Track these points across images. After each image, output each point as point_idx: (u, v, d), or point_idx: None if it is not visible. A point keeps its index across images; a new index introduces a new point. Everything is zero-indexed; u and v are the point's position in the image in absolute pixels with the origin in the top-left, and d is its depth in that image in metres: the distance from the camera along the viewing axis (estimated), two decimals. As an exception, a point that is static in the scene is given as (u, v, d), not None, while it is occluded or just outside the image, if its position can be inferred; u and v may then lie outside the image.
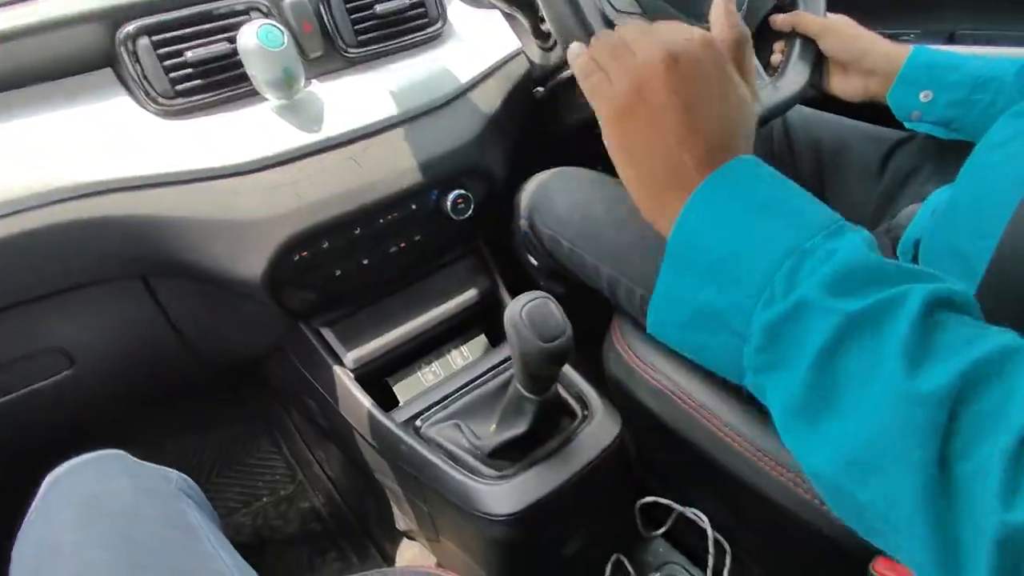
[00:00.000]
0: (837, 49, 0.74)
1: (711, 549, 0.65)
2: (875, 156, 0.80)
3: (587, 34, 0.57)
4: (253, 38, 0.60)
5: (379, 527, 0.97)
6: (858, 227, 0.33)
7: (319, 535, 1.02)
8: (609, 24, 0.61)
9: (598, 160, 0.88)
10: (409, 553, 0.92)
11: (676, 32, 0.39)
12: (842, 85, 0.76)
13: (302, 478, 1.09)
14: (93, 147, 0.59)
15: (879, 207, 0.78)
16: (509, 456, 0.64)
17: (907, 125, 0.74)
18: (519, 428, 0.60)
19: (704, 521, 0.67)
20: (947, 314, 0.29)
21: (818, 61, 0.75)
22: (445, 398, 0.72)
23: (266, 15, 0.65)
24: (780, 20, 0.75)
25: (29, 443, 0.75)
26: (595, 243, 0.73)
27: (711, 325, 0.34)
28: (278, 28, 0.61)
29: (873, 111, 0.81)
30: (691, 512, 0.71)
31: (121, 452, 0.57)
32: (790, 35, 0.76)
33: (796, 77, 0.73)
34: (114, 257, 0.62)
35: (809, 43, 0.74)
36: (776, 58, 0.78)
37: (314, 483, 1.08)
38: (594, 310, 0.78)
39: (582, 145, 0.94)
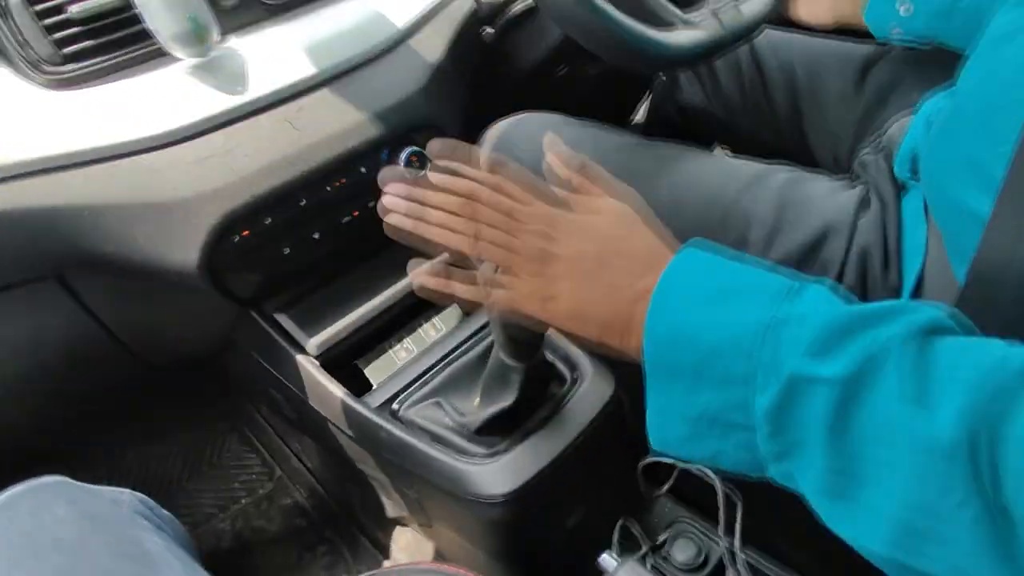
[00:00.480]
0: None
1: (721, 503, 0.62)
2: (851, 73, 0.76)
3: None
4: (149, -15, 0.51)
5: (368, 516, 0.92)
6: (817, 279, 0.33)
7: (305, 530, 0.97)
8: None
9: (558, 101, 0.82)
10: (403, 539, 0.88)
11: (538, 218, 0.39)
12: (809, 8, 0.71)
13: (280, 474, 1.03)
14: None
15: (862, 125, 0.73)
16: (498, 431, 0.59)
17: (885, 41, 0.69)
18: (506, 400, 0.55)
19: (710, 475, 0.64)
20: (932, 343, 0.28)
21: None
22: (422, 375, 0.66)
23: (162, -42, 0.56)
24: None
25: None
26: (565, 190, 0.67)
27: (717, 430, 0.33)
28: (179, -29, 0.52)
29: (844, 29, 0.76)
30: (696, 467, 0.67)
31: (60, 478, 0.50)
32: None
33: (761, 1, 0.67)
34: (19, 257, 0.53)
35: None
36: None
37: (294, 477, 1.02)
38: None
39: (540, 87, 0.87)
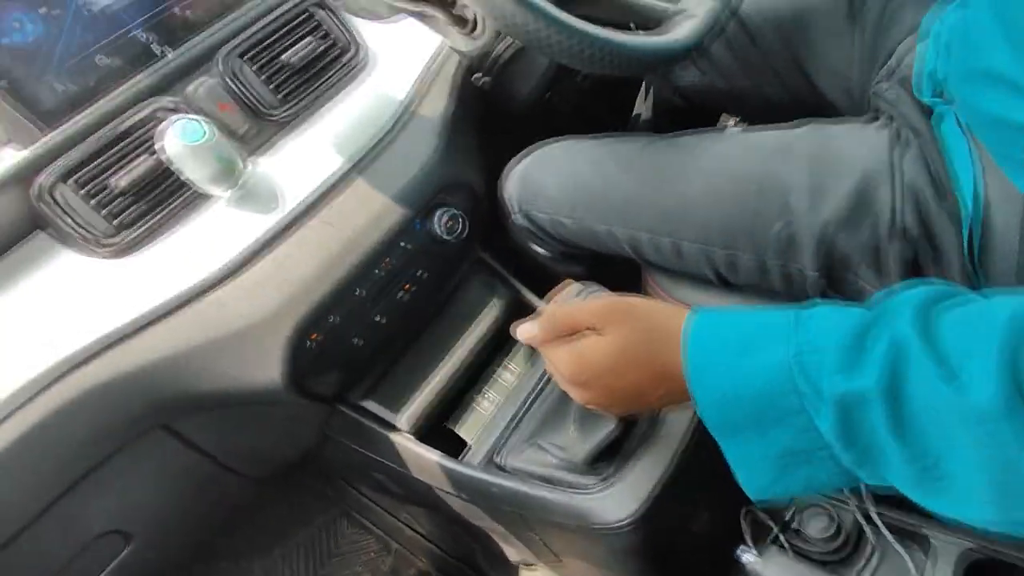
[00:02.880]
0: None
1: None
2: (841, 6, 0.75)
3: (522, 7, 0.51)
4: (174, 140, 0.55)
5: (492, 566, 0.93)
6: (812, 303, 0.37)
7: (436, 593, 0.99)
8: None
9: (574, 127, 0.83)
10: (533, 579, 0.89)
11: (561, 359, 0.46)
12: None
13: (397, 547, 1.05)
14: (57, 318, 0.54)
15: (866, 57, 0.72)
16: (603, 457, 0.59)
17: None
18: (607, 427, 0.55)
19: None
20: (940, 319, 0.31)
21: None
22: (512, 422, 0.68)
23: (175, 111, 0.60)
24: None
25: None
26: (598, 208, 0.68)
27: (800, 458, 0.35)
28: (194, 120, 0.56)
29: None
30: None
31: None
32: None
33: None
34: (126, 419, 0.57)
35: None
36: None
37: (411, 547, 1.04)
38: (618, 276, 0.74)
39: (549, 118, 0.89)
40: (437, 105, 0.72)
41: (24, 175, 0.54)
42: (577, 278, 0.73)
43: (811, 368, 0.34)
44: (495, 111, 0.82)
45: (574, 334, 0.46)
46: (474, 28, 0.75)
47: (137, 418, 0.57)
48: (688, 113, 0.98)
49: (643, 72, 0.88)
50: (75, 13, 0.56)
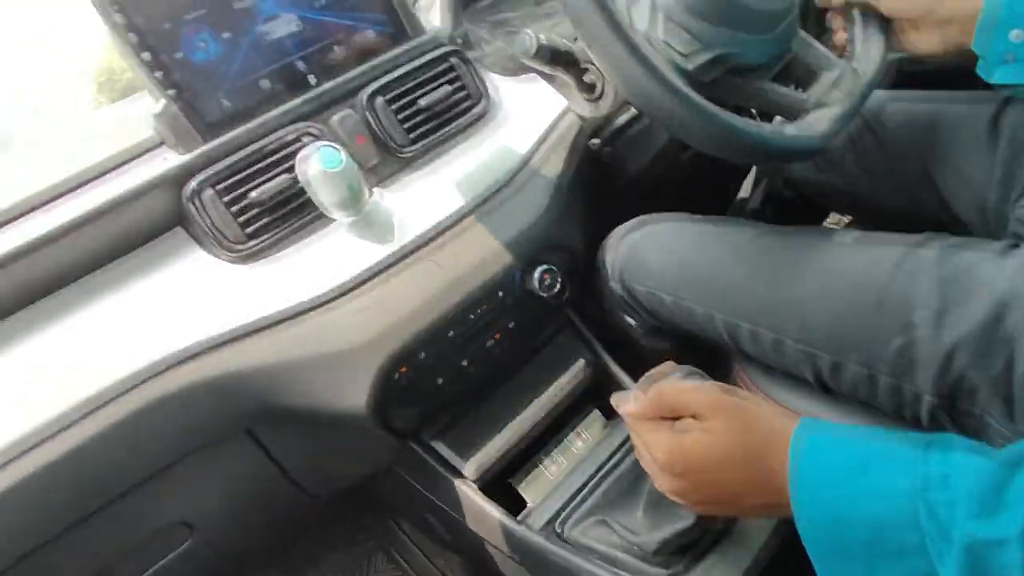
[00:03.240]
0: (902, 7, 0.66)
1: None
2: (982, 120, 0.72)
3: (668, 90, 0.52)
4: (314, 164, 0.58)
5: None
6: (946, 439, 0.35)
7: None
8: (686, 74, 0.57)
9: (674, 201, 0.83)
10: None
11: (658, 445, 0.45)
12: (918, 36, 0.68)
13: (428, 592, 1.02)
14: (178, 311, 0.58)
15: (1006, 179, 0.69)
16: (672, 548, 0.56)
17: (999, 76, 0.64)
18: (683, 520, 0.53)
19: None
20: None
21: (887, 25, 0.68)
22: (579, 492, 0.66)
23: (317, 138, 0.64)
24: None
25: None
26: (701, 290, 0.67)
27: None
28: (334, 148, 0.59)
29: (959, 77, 0.73)
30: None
31: None
32: (846, 8, 0.69)
33: (873, 50, 0.66)
34: (220, 417, 0.59)
35: (869, 10, 0.67)
36: (840, 37, 0.71)
37: (442, 596, 1.01)
38: (705, 360, 0.72)
39: (654, 189, 0.89)
40: (553, 164, 0.74)
41: (181, 177, 0.59)
42: (666, 355, 0.72)
43: (940, 508, 0.32)
44: (605, 176, 0.83)
45: (675, 419, 0.45)
46: (599, 96, 0.77)
47: (229, 420, 0.59)
48: (795, 205, 0.96)
49: (767, 163, 0.88)
50: (252, 41, 0.62)
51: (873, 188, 0.81)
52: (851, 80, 0.63)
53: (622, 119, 0.78)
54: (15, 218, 0.57)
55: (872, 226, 0.70)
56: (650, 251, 0.71)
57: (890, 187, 0.78)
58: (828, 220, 1.11)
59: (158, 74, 0.58)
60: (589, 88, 0.77)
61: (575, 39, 0.72)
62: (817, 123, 0.58)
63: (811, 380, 0.62)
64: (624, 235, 0.74)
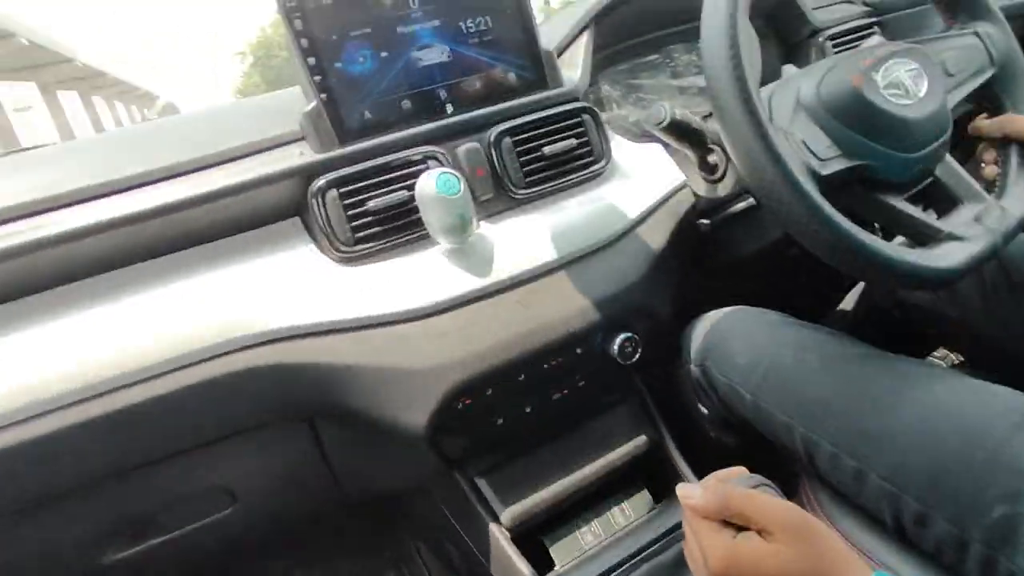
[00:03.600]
0: None
1: None
2: None
3: (793, 190, 0.51)
4: (432, 186, 0.61)
5: None
6: None
7: None
8: (816, 177, 0.56)
9: (772, 295, 0.80)
10: None
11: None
12: None
13: (430, 624, 1.00)
14: (277, 295, 0.61)
15: None
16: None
17: None
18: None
19: None
20: None
21: None
22: (612, 570, 0.63)
23: (441, 163, 0.67)
24: (987, 126, 0.66)
25: None
26: (785, 398, 0.63)
27: None
28: (455, 176, 0.62)
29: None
30: None
31: None
32: (1002, 141, 0.66)
33: None
34: (289, 402, 0.61)
35: None
36: (990, 171, 0.68)
37: (443, 632, 0.99)
38: (771, 470, 0.67)
39: (753, 280, 0.87)
40: (658, 235, 0.74)
41: (311, 172, 0.63)
42: (731, 451, 0.68)
43: None
44: (707, 256, 0.82)
45: (739, 528, 0.42)
46: (719, 179, 0.76)
47: (296, 406, 0.62)
48: (902, 330, 0.90)
49: (890, 287, 0.83)
50: (404, 63, 0.66)
51: (997, 331, 0.75)
52: (996, 218, 0.60)
53: (737, 206, 0.77)
54: (161, 179, 0.63)
55: (986, 372, 0.65)
56: (738, 344, 0.68)
57: (1017, 333, 0.72)
58: (935, 354, 1.04)
59: (316, 78, 0.63)
60: (711, 169, 0.77)
61: (705, 116, 0.72)
62: (950, 255, 0.55)
63: (888, 523, 0.57)
64: (714, 321, 0.72)
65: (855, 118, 0.58)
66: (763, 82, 0.61)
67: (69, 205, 0.59)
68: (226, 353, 0.58)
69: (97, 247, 0.59)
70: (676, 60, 0.94)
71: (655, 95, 0.92)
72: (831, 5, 1.05)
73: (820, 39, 0.95)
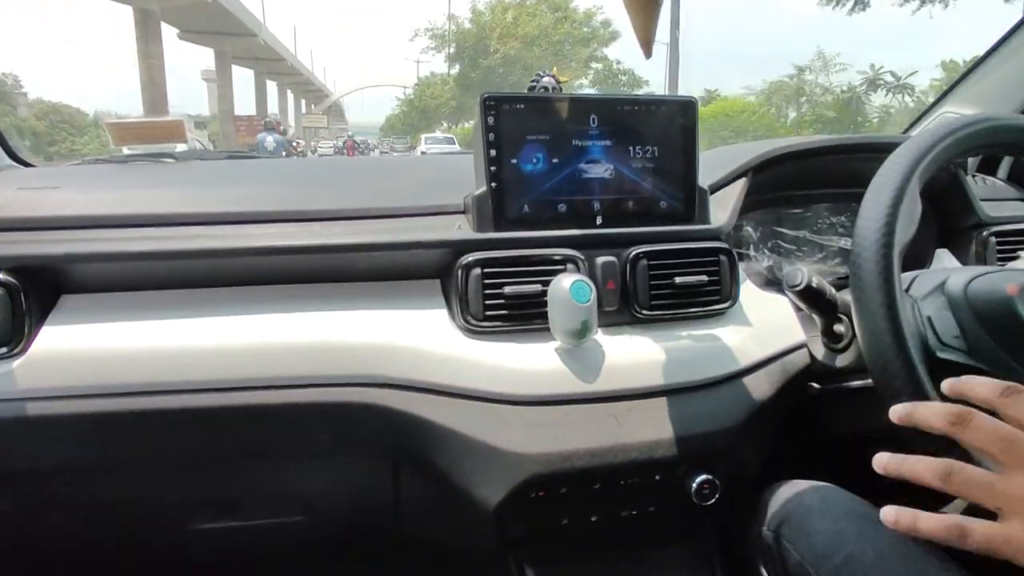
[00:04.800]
0: None
1: None
2: None
3: (905, 365, 0.51)
4: (565, 290, 0.66)
5: None
6: None
7: None
8: (931, 358, 0.55)
9: (866, 479, 0.77)
10: None
11: None
12: None
13: None
14: (401, 343, 0.68)
15: None
16: None
17: None
18: None
19: None
20: None
21: None
22: None
23: (579, 269, 0.72)
24: None
25: None
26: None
27: None
28: (588, 285, 0.66)
29: None
30: None
31: None
32: None
33: None
34: (384, 442, 0.67)
35: None
36: None
37: None
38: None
39: (846, 461, 0.84)
40: (764, 386, 0.74)
41: (465, 248, 0.70)
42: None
43: None
44: (809, 420, 0.81)
45: None
46: (842, 350, 0.76)
47: (389, 447, 0.68)
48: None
49: None
50: (570, 171, 0.73)
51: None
52: None
53: (853, 383, 0.76)
54: (343, 218, 0.73)
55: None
56: (820, 524, 0.66)
57: None
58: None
59: (492, 168, 0.71)
60: (835, 337, 0.77)
61: (840, 287, 0.73)
62: None
63: None
64: (799, 490, 0.71)
65: (997, 327, 0.56)
66: (913, 260, 0.61)
67: (264, 222, 0.70)
68: (345, 384, 0.65)
69: (276, 264, 0.69)
70: (821, 218, 0.95)
71: (794, 247, 0.94)
72: (1002, 200, 1.03)
73: (984, 233, 0.93)
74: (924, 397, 0.51)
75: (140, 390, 0.63)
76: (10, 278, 0.63)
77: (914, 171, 0.54)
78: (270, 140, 8.50)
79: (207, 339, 0.65)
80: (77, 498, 0.70)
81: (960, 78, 1.10)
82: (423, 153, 15.44)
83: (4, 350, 0.62)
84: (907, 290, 0.63)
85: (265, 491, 0.73)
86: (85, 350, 0.63)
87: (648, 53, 0.61)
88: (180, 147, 0.97)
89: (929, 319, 0.59)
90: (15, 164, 0.89)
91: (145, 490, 0.71)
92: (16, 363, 0.62)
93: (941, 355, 0.56)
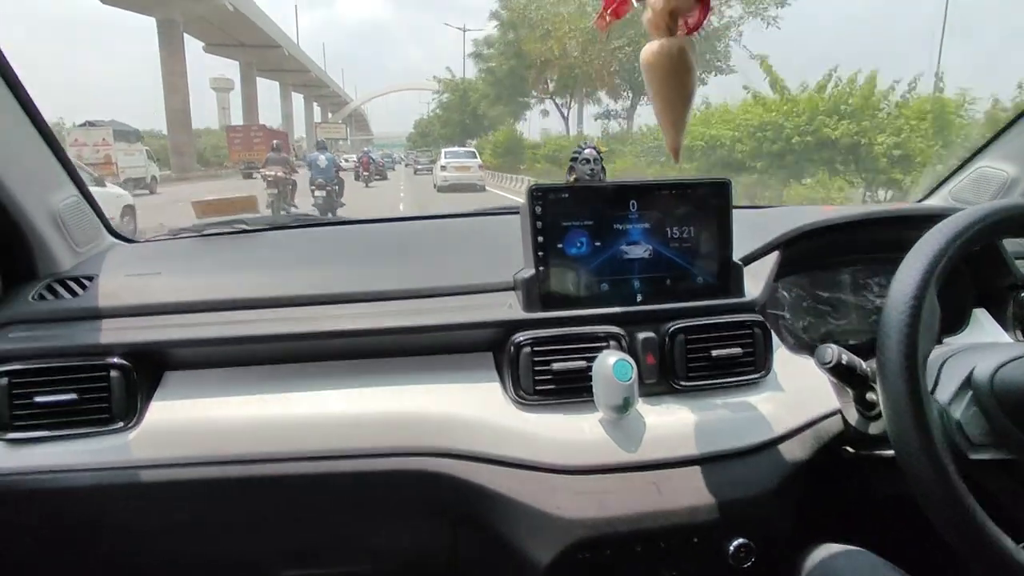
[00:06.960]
0: None
1: None
2: None
3: (940, 478, 0.55)
4: (608, 368, 0.72)
5: None
6: None
7: None
8: (962, 460, 0.59)
9: (896, 545, 0.80)
10: None
11: None
12: None
13: None
14: (457, 414, 0.75)
15: None
16: None
17: None
18: None
19: None
20: None
21: None
22: None
23: (621, 345, 0.78)
24: None
25: None
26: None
27: None
28: (629, 364, 0.72)
29: None
30: None
31: None
32: None
33: None
34: (445, 505, 0.75)
35: None
36: None
37: None
38: None
39: (881, 522, 0.87)
40: (798, 452, 0.78)
41: (516, 326, 0.77)
42: None
43: None
44: (842, 481, 0.84)
45: None
46: (874, 417, 0.80)
47: (449, 510, 0.75)
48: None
49: None
50: (612, 253, 0.79)
51: None
52: None
53: (887, 451, 0.79)
54: (398, 298, 0.81)
55: None
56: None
57: None
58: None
59: (540, 253, 0.78)
60: (867, 405, 0.80)
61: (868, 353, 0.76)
62: None
63: None
64: (832, 554, 0.75)
65: None
66: (950, 321, 0.60)
67: (337, 303, 0.79)
68: (414, 454, 0.73)
69: (349, 342, 0.77)
70: (858, 279, 0.99)
71: (829, 308, 0.97)
72: (1040, 259, 1.03)
73: (1022, 295, 0.94)
74: (960, 501, 0.53)
75: (236, 459, 0.72)
76: (124, 361, 0.73)
77: (929, 281, 0.57)
78: (322, 159, 8.91)
79: (294, 412, 0.74)
80: (180, 551, 0.80)
81: (1000, 131, 1.11)
82: (443, 167, 15.59)
83: (120, 424, 0.73)
84: (933, 391, 0.64)
85: (340, 544, 0.81)
86: (188, 423, 0.73)
87: (677, 159, 0.67)
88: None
89: (959, 425, 0.61)
90: (117, 240, 1.01)
91: (241, 544, 0.80)
92: (131, 435, 0.73)
93: (973, 456, 0.59)
